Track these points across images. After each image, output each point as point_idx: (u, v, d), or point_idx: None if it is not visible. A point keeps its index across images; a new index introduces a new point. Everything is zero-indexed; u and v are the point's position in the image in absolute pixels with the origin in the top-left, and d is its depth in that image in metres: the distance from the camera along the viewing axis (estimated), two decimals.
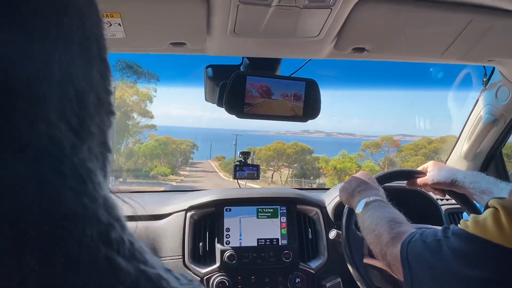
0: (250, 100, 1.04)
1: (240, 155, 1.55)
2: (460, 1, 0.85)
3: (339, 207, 1.36)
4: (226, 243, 1.34)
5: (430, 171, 1.10)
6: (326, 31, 0.88)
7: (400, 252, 0.73)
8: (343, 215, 1.10)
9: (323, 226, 1.42)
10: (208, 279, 1.28)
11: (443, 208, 1.49)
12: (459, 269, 0.63)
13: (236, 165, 1.53)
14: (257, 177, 1.54)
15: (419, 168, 1.15)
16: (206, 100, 1.22)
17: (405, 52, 1.08)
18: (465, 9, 0.87)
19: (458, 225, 0.70)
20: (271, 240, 1.37)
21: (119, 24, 0.82)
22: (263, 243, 1.36)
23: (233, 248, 1.32)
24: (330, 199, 1.45)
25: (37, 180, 0.18)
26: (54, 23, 0.22)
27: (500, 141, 1.49)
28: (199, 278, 1.29)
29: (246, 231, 1.37)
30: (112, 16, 0.80)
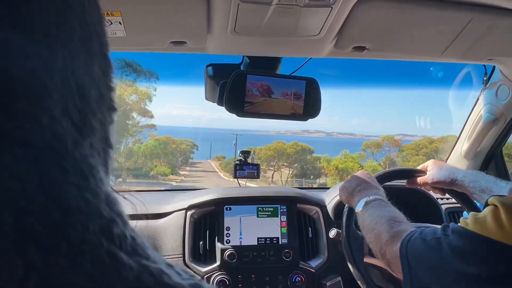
0: (250, 99, 1.04)
1: (240, 154, 1.55)
2: (460, 0, 0.85)
3: (339, 206, 1.36)
4: (226, 242, 1.34)
5: (430, 170, 1.10)
6: (327, 30, 0.88)
7: (399, 250, 0.73)
8: (343, 214, 1.10)
9: (323, 225, 1.42)
10: (208, 278, 1.29)
11: (443, 207, 1.49)
12: (459, 267, 0.63)
13: (236, 164, 1.53)
14: (257, 176, 1.54)
15: (419, 167, 1.15)
16: (207, 99, 1.22)
17: (405, 51, 1.08)
18: (465, 8, 0.87)
19: (458, 223, 0.70)
20: (271, 239, 1.37)
21: (120, 23, 0.82)
22: (263, 242, 1.36)
23: (233, 247, 1.32)
24: (330, 198, 1.45)
25: (40, 175, 0.18)
26: (56, 20, 0.22)
27: (500, 140, 1.49)
28: (199, 277, 1.29)
29: (246, 230, 1.37)
30: (113, 14, 0.80)
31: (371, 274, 1.06)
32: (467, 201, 1.09)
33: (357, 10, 0.83)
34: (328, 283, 1.34)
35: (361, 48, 1.01)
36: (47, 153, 0.19)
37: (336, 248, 1.37)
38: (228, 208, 1.38)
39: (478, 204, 1.07)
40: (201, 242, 1.34)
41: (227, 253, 1.30)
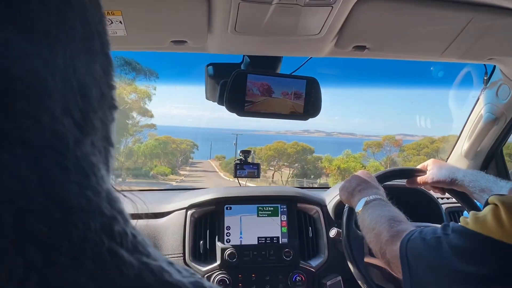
0: (250, 98, 1.04)
1: (241, 154, 1.55)
2: None
3: (339, 206, 1.36)
4: (227, 241, 1.34)
5: (430, 170, 1.10)
6: (327, 29, 0.88)
7: (399, 250, 0.73)
8: (344, 214, 1.10)
9: (323, 225, 1.42)
10: (208, 277, 1.29)
11: (444, 206, 1.49)
12: (459, 266, 0.63)
13: (236, 164, 1.53)
14: (258, 176, 1.54)
15: (419, 166, 1.15)
16: (207, 98, 1.22)
17: (405, 51, 1.08)
18: (465, 7, 0.87)
19: (458, 222, 0.70)
20: (272, 238, 1.37)
21: (120, 22, 0.82)
22: (264, 241, 1.36)
23: (233, 246, 1.32)
24: (331, 198, 1.45)
25: (40, 175, 0.18)
26: (56, 20, 0.22)
27: (501, 139, 1.49)
28: (200, 275, 1.30)
29: (247, 229, 1.37)
30: (114, 14, 0.80)
31: (371, 274, 1.06)
32: (467, 201, 1.09)
33: (357, 9, 0.83)
34: (329, 283, 1.34)
35: (361, 48, 1.01)
36: (47, 152, 0.19)
37: (337, 248, 1.37)
38: (228, 208, 1.39)
39: (478, 203, 1.07)
40: (201, 242, 1.34)
41: (227, 252, 1.30)
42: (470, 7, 0.87)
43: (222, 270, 1.30)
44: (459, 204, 1.16)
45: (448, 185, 1.06)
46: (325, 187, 1.63)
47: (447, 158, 1.66)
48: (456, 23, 0.92)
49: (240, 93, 1.03)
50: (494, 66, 1.35)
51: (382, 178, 1.12)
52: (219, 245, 1.32)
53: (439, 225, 0.72)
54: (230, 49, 1.05)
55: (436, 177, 1.07)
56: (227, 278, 1.28)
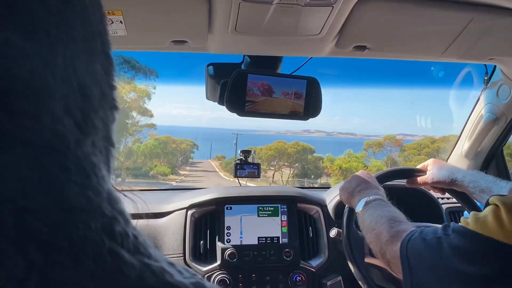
0: (251, 98, 1.04)
1: (241, 154, 1.55)
2: None
3: (339, 206, 1.36)
4: (227, 241, 1.34)
5: (430, 170, 1.10)
6: (328, 29, 0.88)
7: (399, 250, 0.73)
8: (344, 214, 1.10)
9: (323, 225, 1.42)
10: (209, 277, 1.29)
11: (444, 207, 1.49)
12: (459, 266, 0.63)
13: (236, 164, 1.53)
14: (258, 176, 1.54)
15: (419, 166, 1.15)
16: (207, 98, 1.22)
17: (406, 51, 1.08)
18: (466, 7, 0.87)
19: (459, 222, 0.70)
20: (272, 238, 1.37)
21: (121, 22, 0.82)
22: (264, 241, 1.36)
23: (234, 246, 1.32)
24: (331, 198, 1.45)
25: (41, 175, 0.18)
26: (57, 20, 0.22)
27: (501, 139, 1.49)
28: (201, 276, 1.30)
29: (247, 229, 1.37)
30: (114, 13, 0.80)
31: (372, 274, 1.06)
32: (467, 201, 1.09)
33: (358, 9, 0.83)
34: (329, 283, 1.34)
35: (362, 48, 1.01)
36: (48, 152, 0.19)
37: (337, 248, 1.37)
38: (228, 208, 1.39)
39: (478, 203, 1.07)
40: (201, 242, 1.34)
41: (227, 252, 1.30)
42: (471, 7, 0.87)
43: (222, 270, 1.30)
44: (459, 204, 1.16)
45: (448, 186, 1.06)
46: (326, 187, 1.63)
47: (447, 158, 1.66)
48: (456, 23, 0.92)
49: (241, 93, 1.03)
50: (495, 66, 1.35)
51: (382, 178, 1.12)
52: (219, 245, 1.32)
53: (439, 225, 0.72)
54: (231, 49, 1.05)
55: (436, 178, 1.07)
56: (227, 278, 1.28)
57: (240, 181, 1.62)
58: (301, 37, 0.93)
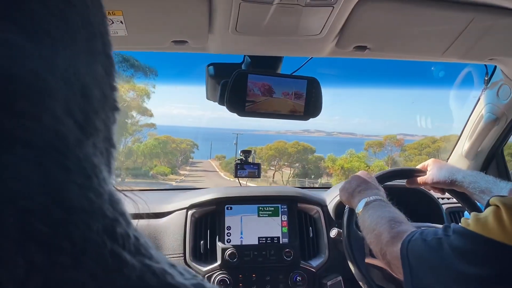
0: (251, 98, 1.04)
1: (241, 154, 1.55)
2: (461, 0, 0.85)
3: (340, 206, 1.36)
4: (227, 241, 1.34)
5: (430, 170, 1.10)
6: (328, 29, 0.88)
7: (400, 251, 0.73)
8: (344, 214, 1.10)
9: (324, 225, 1.42)
10: (209, 277, 1.29)
11: (444, 207, 1.49)
12: (460, 267, 0.63)
13: (237, 164, 1.53)
14: (258, 176, 1.54)
15: (419, 166, 1.15)
16: (208, 98, 1.22)
17: (406, 51, 1.08)
18: (466, 7, 0.87)
19: (459, 223, 0.70)
20: (272, 238, 1.37)
21: (121, 22, 0.82)
22: (264, 241, 1.36)
23: (234, 246, 1.32)
24: (331, 198, 1.45)
25: (42, 175, 0.18)
26: (58, 20, 0.22)
27: (501, 140, 1.48)
28: (202, 277, 1.30)
29: (247, 229, 1.37)
30: (114, 13, 0.80)
31: (372, 274, 1.06)
32: (467, 201, 1.09)
33: (358, 9, 0.83)
34: (329, 283, 1.34)
35: (362, 48, 1.01)
36: (49, 152, 0.19)
37: (337, 248, 1.37)
38: (229, 208, 1.39)
39: (478, 203, 1.07)
40: (202, 242, 1.34)
41: (228, 252, 1.30)
42: (471, 7, 0.87)
43: (222, 270, 1.30)
44: (459, 204, 1.16)
45: (448, 186, 1.06)
46: (327, 187, 1.63)
47: (448, 158, 1.66)
48: (457, 23, 0.92)
49: (241, 93, 1.03)
50: (495, 67, 1.35)
51: (382, 178, 1.12)
52: (219, 245, 1.32)
53: (440, 226, 0.72)
54: (231, 49, 1.05)
55: (436, 178, 1.07)
56: (227, 278, 1.28)
57: (240, 181, 1.62)
58: (302, 37, 0.93)
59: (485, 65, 1.35)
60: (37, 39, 0.20)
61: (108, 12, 0.79)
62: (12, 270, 0.16)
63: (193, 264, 1.31)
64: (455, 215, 1.51)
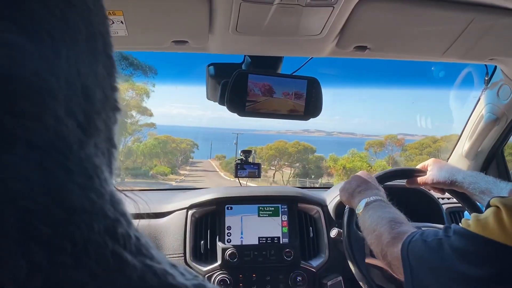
0: (251, 98, 1.05)
1: (241, 154, 1.55)
2: (461, 0, 0.85)
3: (340, 206, 1.36)
4: (228, 241, 1.34)
5: (430, 170, 1.10)
6: (328, 29, 0.88)
7: (400, 252, 0.73)
8: (344, 214, 1.10)
9: (324, 225, 1.42)
10: (209, 277, 1.29)
11: (444, 207, 1.49)
12: (460, 268, 0.63)
13: (237, 164, 1.53)
14: (258, 176, 1.54)
15: (419, 166, 1.15)
16: (208, 98, 1.22)
17: (406, 51, 1.08)
18: (466, 8, 0.87)
19: (460, 224, 0.70)
20: (272, 238, 1.37)
21: (122, 22, 0.82)
22: (264, 241, 1.36)
23: (234, 246, 1.32)
24: (331, 198, 1.45)
25: (43, 175, 0.18)
26: (59, 20, 0.22)
27: (502, 140, 1.48)
28: (202, 277, 1.30)
29: (247, 229, 1.37)
30: (115, 14, 0.80)
31: (372, 274, 1.06)
32: (467, 201, 1.09)
33: (358, 10, 0.83)
34: (329, 283, 1.34)
35: (362, 48, 1.01)
36: (51, 153, 0.19)
37: (337, 248, 1.37)
38: (229, 208, 1.39)
39: (478, 204, 1.07)
40: (202, 242, 1.34)
41: (228, 252, 1.30)
42: (472, 8, 0.87)
43: (222, 270, 1.30)
44: (459, 204, 1.17)
45: (448, 187, 1.06)
46: (329, 187, 1.63)
47: (448, 158, 1.66)
48: (457, 24, 0.92)
49: (241, 93, 1.03)
50: (495, 67, 1.35)
51: (382, 178, 1.12)
52: (219, 245, 1.32)
53: (440, 226, 0.72)
54: (231, 49, 1.05)
55: (436, 179, 1.07)
56: (227, 278, 1.28)
57: (240, 181, 1.62)
58: (302, 37, 0.93)
59: (485, 65, 1.35)
60: (37, 39, 0.20)
61: (109, 12, 0.79)
62: (13, 270, 0.16)
63: (193, 264, 1.31)
64: (455, 215, 1.51)
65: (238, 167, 1.52)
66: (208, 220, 1.38)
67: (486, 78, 1.40)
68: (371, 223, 0.86)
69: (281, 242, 1.37)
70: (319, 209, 1.44)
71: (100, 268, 0.19)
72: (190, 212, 1.37)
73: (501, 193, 0.91)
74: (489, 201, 0.65)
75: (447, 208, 1.50)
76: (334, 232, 1.30)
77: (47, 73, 0.20)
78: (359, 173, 1.07)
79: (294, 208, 1.43)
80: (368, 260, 1.07)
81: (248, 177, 1.55)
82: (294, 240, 1.38)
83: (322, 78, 1.13)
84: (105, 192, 0.21)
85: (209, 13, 0.83)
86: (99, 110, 0.23)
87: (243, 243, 1.35)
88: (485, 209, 0.66)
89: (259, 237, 1.37)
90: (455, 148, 1.61)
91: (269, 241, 1.37)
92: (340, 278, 1.36)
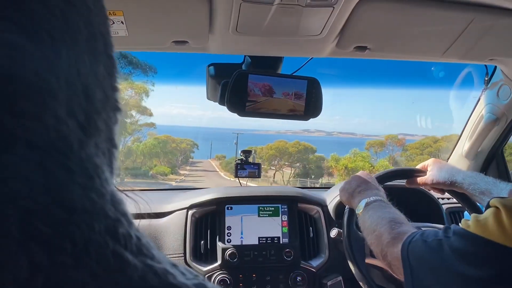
0: (251, 98, 1.05)
1: (241, 154, 1.55)
2: (461, 0, 0.85)
3: (340, 206, 1.36)
4: (228, 241, 1.34)
5: (430, 170, 1.10)
6: (328, 30, 0.88)
7: (400, 252, 0.73)
8: (344, 214, 1.10)
9: (324, 225, 1.42)
10: (209, 277, 1.29)
11: (444, 207, 1.49)
12: (460, 269, 0.63)
13: (237, 164, 1.53)
14: (258, 176, 1.54)
15: (419, 166, 1.15)
16: (208, 98, 1.22)
17: (406, 51, 1.08)
18: (466, 8, 0.87)
19: (459, 224, 0.70)
20: (272, 238, 1.37)
21: (122, 22, 0.83)
22: (264, 241, 1.36)
23: (234, 246, 1.32)
24: (331, 198, 1.45)
25: (44, 175, 0.18)
26: (60, 20, 0.22)
27: (502, 140, 1.49)
28: (203, 277, 1.30)
29: (248, 229, 1.37)
30: (115, 14, 0.80)
31: (372, 274, 1.06)
32: (467, 201, 1.09)
33: (358, 10, 0.83)
34: (329, 283, 1.34)
35: (362, 48, 1.01)
36: (51, 153, 0.19)
37: (337, 248, 1.37)
38: (229, 208, 1.39)
39: (478, 204, 1.07)
40: (202, 242, 1.34)
41: (228, 252, 1.30)
42: (471, 8, 0.87)
43: (222, 270, 1.30)
44: (459, 205, 1.17)
45: (447, 187, 1.06)
46: (329, 187, 1.63)
47: (448, 158, 1.66)
48: (457, 24, 0.92)
49: (241, 93, 1.04)
50: (495, 67, 1.35)
51: (382, 178, 1.12)
52: (220, 245, 1.32)
53: (440, 226, 0.72)
54: (231, 49, 1.05)
55: (436, 179, 1.07)
56: (227, 278, 1.28)
57: (240, 181, 1.62)
58: (302, 37, 0.93)
59: (485, 65, 1.35)
60: (37, 39, 0.20)
61: (109, 12, 0.79)
62: (13, 270, 0.16)
63: (194, 264, 1.31)
64: (455, 215, 1.51)
65: (238, 167, 1.52)
66: (208, 220, 1.38)
67: (486, 78, 1.40)
68: (371, 223, 0.86)
69: (281, 242, 1.37)
70: (319, 209, 1.44)
71: (100, 268, 0.19)
72: (190, 212, 1.37)
73: (501, 193, 0.91)
74: (488, 202, 0.65)
75: (447, 208, 1.50)
76: (334, 232, 1.30)
77: (47, 73, 0.20)
78: (359, 173, 1.07)
79: (294, 208, 1.43)
80: (368, 260, 1.07)
81: (248, 177, 1.55)
82: (294, 240, 1.38)
83: (322, 78, 1.13)
84: (106, 192, 0.21)
85: (209, 13, 0.83)
86: (99, 110, 0.23)
87: (243, 243, 1.35)
88: (485, 210, 0.66)
89: (259, 237, 1.37)
90: (455, 148, 1.61)
91: (269, 241, 1.37)
92: (340, 278, 1.36)
